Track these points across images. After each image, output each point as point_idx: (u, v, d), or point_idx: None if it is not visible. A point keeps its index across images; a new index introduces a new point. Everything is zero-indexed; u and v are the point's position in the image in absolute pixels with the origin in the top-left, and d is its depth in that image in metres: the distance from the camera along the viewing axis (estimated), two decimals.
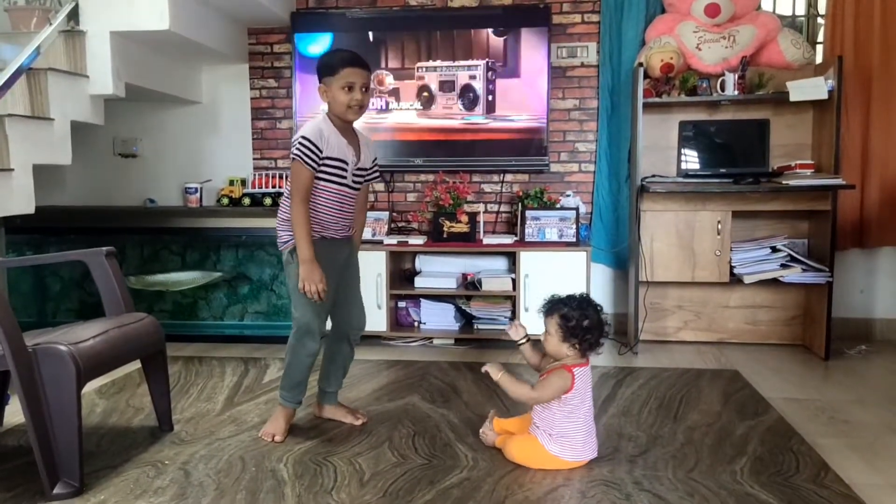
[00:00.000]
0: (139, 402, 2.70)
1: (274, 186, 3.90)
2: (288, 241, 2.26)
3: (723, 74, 3.45)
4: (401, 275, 3.86)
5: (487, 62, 3.76)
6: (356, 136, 2.32)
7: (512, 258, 3.64)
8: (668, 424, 2.42)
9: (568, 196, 3.82)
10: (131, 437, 2.33)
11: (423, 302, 3.73)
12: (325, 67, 2.21)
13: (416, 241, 3.68)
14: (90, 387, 2.81)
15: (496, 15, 3.79)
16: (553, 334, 2.05)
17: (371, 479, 1.99)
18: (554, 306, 2.08)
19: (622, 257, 3.84)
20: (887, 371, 3.17)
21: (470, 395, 2.77)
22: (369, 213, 3.62)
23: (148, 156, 4.23)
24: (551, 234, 3.62)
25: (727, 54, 3.49)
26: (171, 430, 2.38)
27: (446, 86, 3.80)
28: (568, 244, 3.57)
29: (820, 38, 3.83)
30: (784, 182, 3.25)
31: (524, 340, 2.21)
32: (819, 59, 3.72)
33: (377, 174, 2.45)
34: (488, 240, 3.68)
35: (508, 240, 3.67)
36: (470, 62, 3.78)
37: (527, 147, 3.76)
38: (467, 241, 3.68)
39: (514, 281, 3.57)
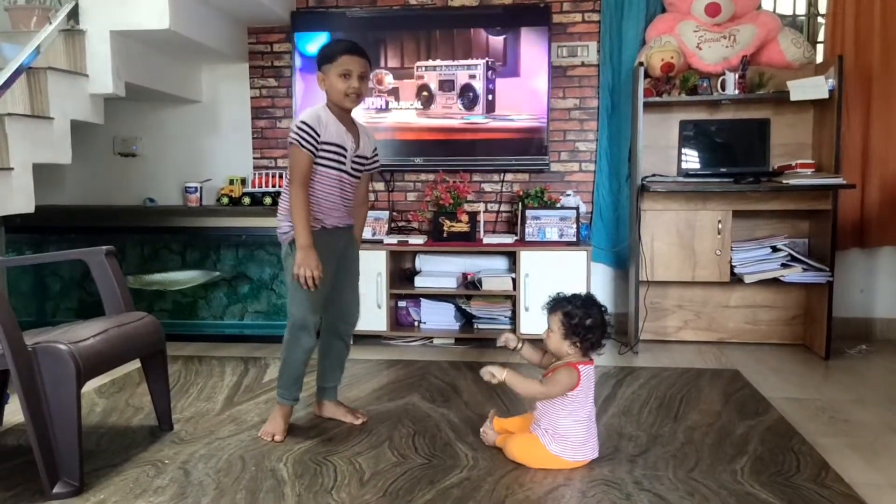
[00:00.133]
0: (139, 402, 2.69)
1: (274, 186, 3.89)
2: (288, 233, 2.25)
3: (723, 74, 3.45)
4: (401, 274, 3.86)
5: (487, 61, 3.75)
6: (355, 125, 2.33)
7: (512, 258, 3.64)
8: (668, 424, 2.42)
9: (568, 195, 3.82)
10: (131, 437, 2.33)
11: (424, 301, 3.73)
12: (324, 56, 2.23)
13: (417, 240, 3.68)
14: (90, 386, 2.81)
15: (496, 14, 3.79)
16: (555, 331, 2.06)
17: (371, 478, 1.98)
18: (558, 304, 2.08)
19: (622, 257, 3.84)
20: (887, 370, 3.17)
21: (470, 395, 2.76)
22: (370, 213, 3.61)
23: (148, 155, 4.22)
24: (551, 234, 3.62)
25: (728, 54, 3.49)
26: (170, 430, 2.37)
27: (446, 85, 3.80)
28: (568, 244, 3.57)
29: (820, 37, 3.83)
30: (784, 181, 3.25)
31: (520, 345, 2.21)
32: (819, 58, 3.71)
33: (378, 163, 2.45)
34: (488, 239, 3.67)
35: (509, 239, 3.67)
36: (469, 61, 3.77)
37: (527, 146, 3.76)
38: (467, 241, 3.68)
39: (514, 280, 3.57)
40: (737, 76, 3.42)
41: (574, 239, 3.59)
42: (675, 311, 3.73)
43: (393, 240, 3.68)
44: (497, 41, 3.76)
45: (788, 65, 3.51)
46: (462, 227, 3.69)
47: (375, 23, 3.86)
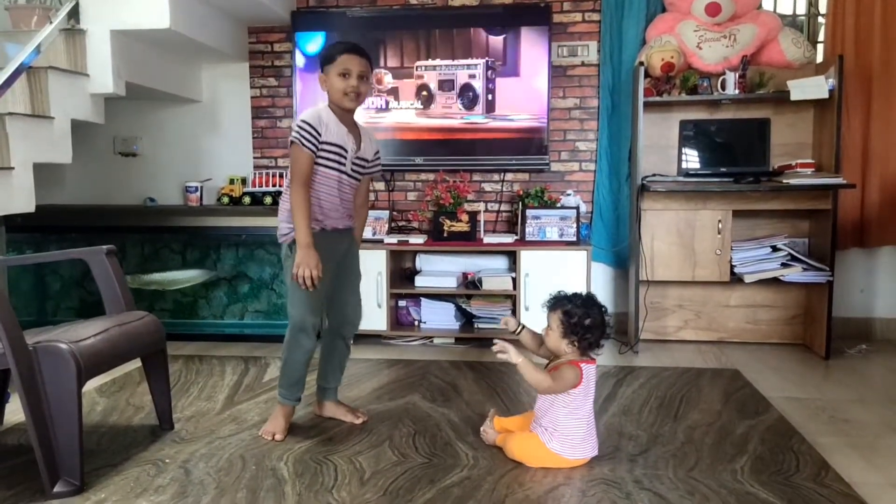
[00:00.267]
0: (139, 401, 2.70)
1: (274, 185, 3.89)
2: (288, 234, 2.25)
3: (723, 73, 3.45)
4: (401, 274, 3.86)
5: (487, 61, 3.75)
6: (357, 127, 2.33)
7: (512, 257, 3.64)
8: (668, 423, 2.42)
9: (568, 195, 3.81)
10: (132, 436, 2.33)
11: (424, 301, 3.73)
12: (325, 57, 2.24)
13: (417, 240, 3.68)
14: (90, 385, 2.81)
15: (496, 14, 3.79)
16: (554, 329, 2.06)
17: (371, 477, 1.99)
18: (558, 302, 2.09)
19: (622, 256, 3.84)
20: (887, 370, 3.17)
21: (470, 394, 2.77)
22: (370, 213, 3.61)
23: (148, 154, 4.23)
24: (552, 234, 3.62)
25: (728, 53, 3.49)
26: (171, 429, 2.38)
27: (445, 85, 3.80)
28: (568, 243, 3.57)
29: (821, 37, 3.83)
30: (784, 181, 3.25)
31: (520, 329, 2.22)
32: (820, 58, 3.71)
33: (378, 167, 2.45)
34: (489, 239, 3.68)
35: (509, 239, 3.67)
36: (469, 61, 3.77)
37: (527, 146, 3.76)
38: (468, 241, 3.68)
39: (514, 280, 3.57)
40: (737, 76, 3.42)
41: (574, 238, 3.59)
42: (675, 311, 3.73)
43: (393, 239, 3.68)
44: (497, 41, 3.76)
45: (789, 64, 3.51)
46: (462, 226, 3.69)
47: (375, 22, 3.86)
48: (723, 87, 3.44)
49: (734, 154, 3.48)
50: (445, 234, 3.70)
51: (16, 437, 2.31)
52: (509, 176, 3.96)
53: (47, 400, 1.85)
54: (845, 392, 2.81)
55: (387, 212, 3.92)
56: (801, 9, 3.91)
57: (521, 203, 3.73)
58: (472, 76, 3.78)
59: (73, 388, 1.85)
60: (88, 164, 4.14)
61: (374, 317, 3.55)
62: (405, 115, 3.85)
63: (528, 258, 3.53)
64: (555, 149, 3.91)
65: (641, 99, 3.42)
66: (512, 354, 2.04)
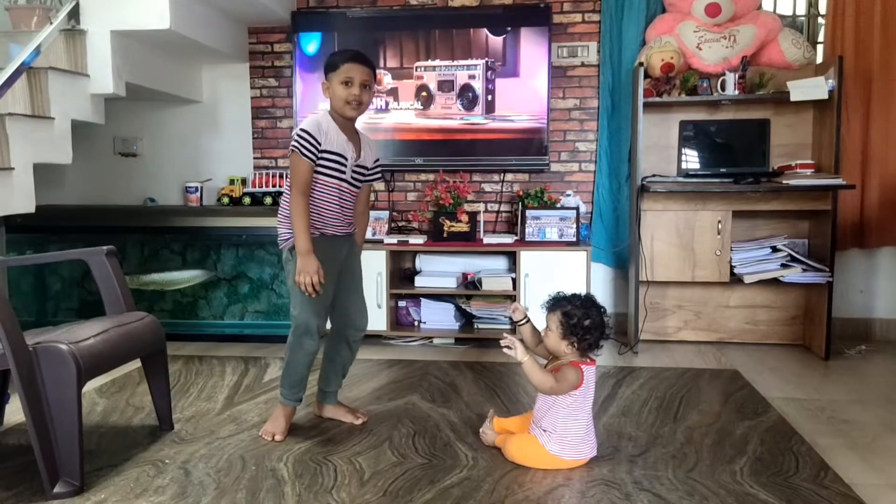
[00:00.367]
0: (139, 401, 2.70)
1: (274, 186, 3.90)
2: (288, 239, 2.26)
3: (723, 74, 3.45)
4: (401, 274, 3.86)
5: (487, 62, 3.76)
6: (357, 135, 2.33)
7: (512, 258, 3.64)
8: (667, 424, 2.43)
9: (568, 195, 3.82)
10: (131, 436, 2.33)
11: (424, 301, 3.73)
12: (329, 64, 2.24)
13: (417, 240, 3.68)
14: (90, 386, 2.81)
15: (496, 14, 3.79)
16: (553, 330, 2.06)
17: (371, 478, 1.99)
18: (557, 303, 2.08)
19: (622, 257, 3.85)
20: (887, 371, 3.17)
21: (470, 395, 2.77)
22: (370, 213, 3.62)
23: (148, 155, 4.23)
24: (551, 234, 3.62)
25: (728, 54, 3.49)
26: (171, 429, 2.38)
27: (445, 85, 3.80)
28: (568, 244, 3.57)
29: (820, 37, 3.83)
30: (784, 182, 3.25)
31: (525, 321, 2.21)
32: (819, 58, 3.72)
33: (379, 175, 2.45)
34: (488, 239, 3.68)
35: (509, 239, 3.67)
36: (469, 62, 3.78)
37: (527, 146, 3.76)
38: (467, 241, 3.68)
39: (514, 280, 3.57)
40: (737, 76, 3.42)
41: (574, 239, 3.59)
42: (674, 311, 3.73)
43: (393, 240, 3.68)
44: (497, 41, 3.76)
45: (788, 65, 3.51)
46: (462, 227, 3.69)
47: (375, 23, 3.86)
48: (723, 88, 3.44)
49: (734, 155, 3.48)
50: (445, 235, 3.70)
51: (16, 438, 2.31)
52: (509, 176, 3.96)
53: (47, 400, 1.85)
54: (845, 393, 2.81)
55: (387, 212, 3.92)
56: (801, 9, 3.91)
57: (520, 203, 3.73)
58: (472, 77, 3.78)
59: (73, 389, 1.85)
60: (88, 165, 4.14)
61: (373, 317, 3.50)
62: (405, 115, 3.85)
63: (528, 259, 3.53)
64: (554, 149, 3.91)
65: (641, 99, 3.42)
66: (519, 352, 2.03)
